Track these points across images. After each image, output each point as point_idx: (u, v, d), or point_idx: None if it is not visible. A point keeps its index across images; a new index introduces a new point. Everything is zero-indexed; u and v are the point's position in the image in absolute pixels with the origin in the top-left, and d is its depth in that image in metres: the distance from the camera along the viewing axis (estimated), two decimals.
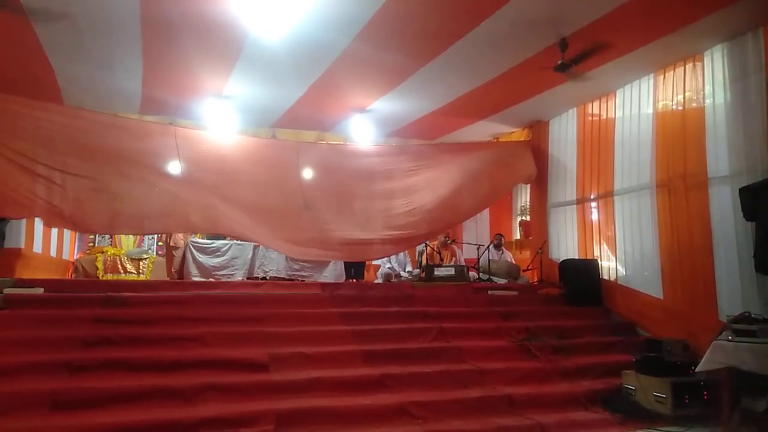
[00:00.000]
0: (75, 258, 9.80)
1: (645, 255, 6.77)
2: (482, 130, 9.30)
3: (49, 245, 8.97)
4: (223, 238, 8.82)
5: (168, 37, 5.83)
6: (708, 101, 5.99)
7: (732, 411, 4.52)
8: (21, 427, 3.75)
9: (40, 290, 5.88)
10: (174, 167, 6.93)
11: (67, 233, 9.73)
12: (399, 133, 9.40)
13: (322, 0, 5.05)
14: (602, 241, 7.62)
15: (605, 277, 7.45)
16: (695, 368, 4.83)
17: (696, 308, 5.89)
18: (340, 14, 5.30)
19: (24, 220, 7.71)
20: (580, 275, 7.37)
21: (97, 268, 8.96)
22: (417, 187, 8.10)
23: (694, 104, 6.17)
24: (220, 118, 7.74)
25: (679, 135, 6.25)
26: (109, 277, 8.90)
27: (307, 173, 7.86)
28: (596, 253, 7.64)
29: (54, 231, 9.14)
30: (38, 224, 8.20)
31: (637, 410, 4.95)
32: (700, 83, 6.08)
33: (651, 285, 6.60)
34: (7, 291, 5.62)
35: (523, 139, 9.14)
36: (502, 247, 9.30)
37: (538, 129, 8.89)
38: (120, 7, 5.21)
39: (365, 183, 7.98)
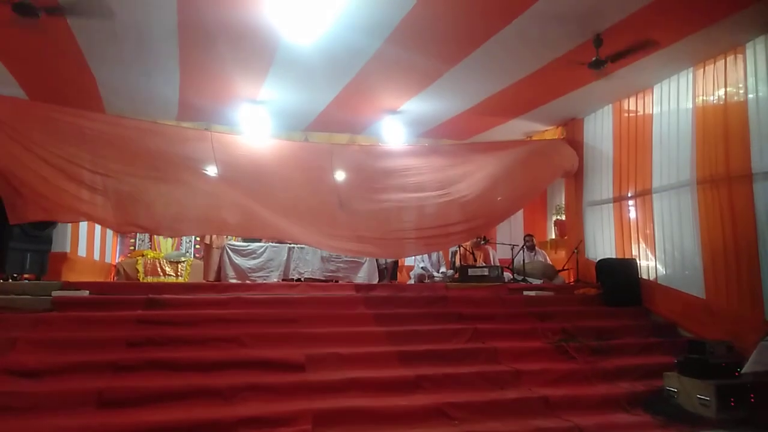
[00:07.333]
0: (117, 261, 10.12)
1: (685, 254, 6.59)
2: (515, 128, 9.20)
3: (93, 249, 9.30)
4: (259, 240, 8.97)
5: (204, 44, 5.98)
6: (751, 95, 5.80)
7: None
8: (70, 425, 3.90)
9: (86, 293, 6.10)
10: (211, 171, 7.08)
11: (109, 238, 10.07)
12: (430, 134, 9.39)
13: (352, 4, 5.10)
14: (640, 239, 7.44)
15: (644, 276, 7.27)
16: (741, 370, 4.68)
17: (741, 308, 5.71)
18: (370, 17, 5.34)
19: (69, 226, 8.01)
20: (618, 275, 7.20)
21: (138, 271, 9.22)
22: (451, 185, 8.01)
23: (735, 98, 5.97)
24: (255, 124, 7.87)
25: (721, 130, 6.07)
26: (150, 279, 9.15)
27: (341, 175, 7.92)
28: (634, 252, 7.46)
29: (97, 235, 9.48)
30: (82, 229, 8.52)
31: (679, 413, 4.80)
32: (741, 76, 5.89)
33: (692, 284, 6.42)
34: (55, 293, 5.86)
35: (557, 137, 9.01)
36: (536, 248, 9.18)
37: (573, 126, 8.75)
38: (158, 17, 5.38)
39: (399, 183, 7.94)
